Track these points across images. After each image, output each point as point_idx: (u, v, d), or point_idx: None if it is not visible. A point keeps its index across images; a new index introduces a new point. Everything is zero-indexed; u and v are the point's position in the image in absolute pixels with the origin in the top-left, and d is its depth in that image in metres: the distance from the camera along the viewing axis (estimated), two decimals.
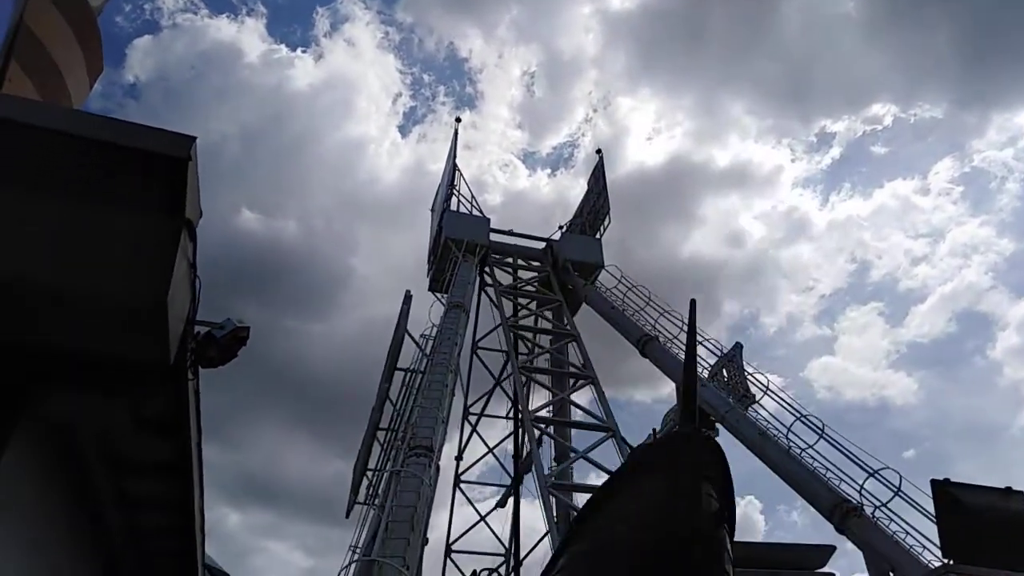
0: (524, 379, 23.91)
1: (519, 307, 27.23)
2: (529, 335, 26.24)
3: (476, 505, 25.12)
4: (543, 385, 24.12)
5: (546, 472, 19.78)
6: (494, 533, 23.68)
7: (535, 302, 26.87)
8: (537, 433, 21.23)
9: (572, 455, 22.23)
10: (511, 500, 22.50)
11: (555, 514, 18.75)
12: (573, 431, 24.01)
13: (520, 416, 21.90)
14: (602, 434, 21.83)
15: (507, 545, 21.78)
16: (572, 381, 24.02)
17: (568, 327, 25.35)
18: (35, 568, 5.49)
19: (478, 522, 24.26)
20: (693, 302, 3.61)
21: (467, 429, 25.48)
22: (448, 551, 23.27)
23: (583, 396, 24.29)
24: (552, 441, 22.79)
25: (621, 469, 5.03)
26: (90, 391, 4.47)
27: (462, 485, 24.76)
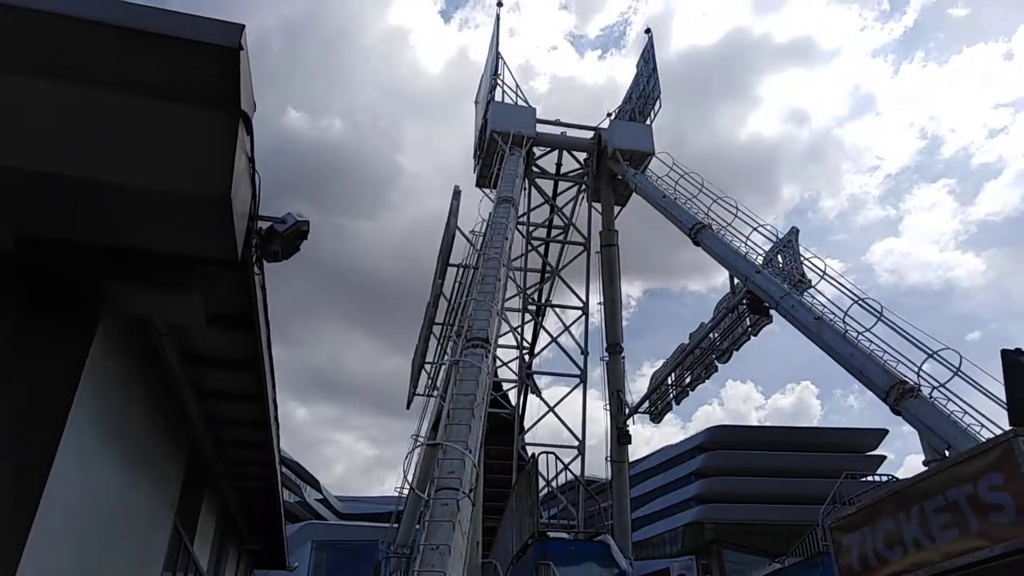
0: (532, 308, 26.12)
1: (555, 209, 27.33)
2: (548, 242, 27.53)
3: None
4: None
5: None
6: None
7: (575, 199, 27.09)
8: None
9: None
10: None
11: None
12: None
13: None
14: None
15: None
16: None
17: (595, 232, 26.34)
18: (130, 453, 5.91)
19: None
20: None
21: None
22: None
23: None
24: None
25: None
26: (164, 287, 4.63)
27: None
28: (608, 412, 24.05)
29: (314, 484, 69.39)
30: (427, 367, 24.44)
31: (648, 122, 27.18)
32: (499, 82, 27.39)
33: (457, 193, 23.47)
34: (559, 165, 27.55)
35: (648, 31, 29.37)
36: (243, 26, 3.42)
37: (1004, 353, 10.28)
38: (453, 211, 23.13)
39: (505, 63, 28.21)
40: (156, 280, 4.51)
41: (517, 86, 27.97)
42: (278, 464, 10.66)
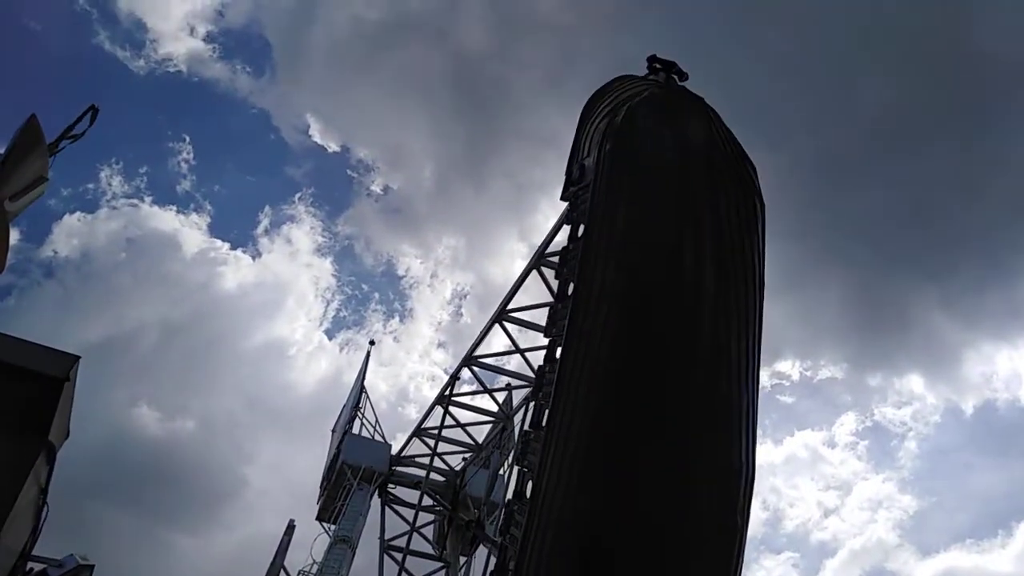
0: None
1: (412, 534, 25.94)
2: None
3: None
4: None
5: None
6: None
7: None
8: None
9: None
10: None
11: None
12: None
13: None
14: None
15: None
16: None
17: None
18: None
19: None
20: None
21: None
22: None
23: None
24: None
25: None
26: None
27: None
28: None
29: None
30: None
31: (503, 473, 27.50)
32: (359, 415, 27.52)
33: (291, 527, 21.77)
34: (419, 503, 26.73)
35: (508, 387, 31.30)
36: (78, 358, 3.37)
37: None
38: (282, 548, 21.16)
39: (368, 397, 28.68)
40: None
41: (377, 421, 28.10)
42: None
